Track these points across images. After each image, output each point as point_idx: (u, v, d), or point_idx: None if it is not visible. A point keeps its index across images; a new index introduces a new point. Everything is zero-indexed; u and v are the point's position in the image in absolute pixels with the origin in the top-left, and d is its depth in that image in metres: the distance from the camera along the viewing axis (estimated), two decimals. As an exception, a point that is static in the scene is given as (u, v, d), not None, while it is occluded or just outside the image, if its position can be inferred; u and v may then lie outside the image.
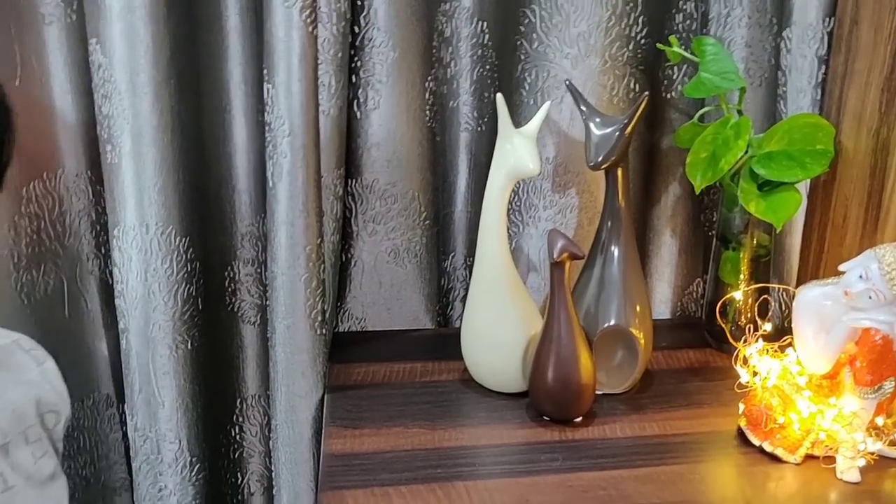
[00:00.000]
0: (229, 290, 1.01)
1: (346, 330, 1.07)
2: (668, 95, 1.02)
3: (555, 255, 0.82)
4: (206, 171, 0.95)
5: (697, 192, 0.92)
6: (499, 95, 0.88)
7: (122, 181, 0.88)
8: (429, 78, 0.98)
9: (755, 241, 0.97)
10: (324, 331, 0.93)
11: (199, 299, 0.97)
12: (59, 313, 0.98)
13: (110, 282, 0.96)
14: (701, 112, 0.97)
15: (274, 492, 0.99)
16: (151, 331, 0.93)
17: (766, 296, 0.96)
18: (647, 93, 0.88)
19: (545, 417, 0.87)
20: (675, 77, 1.01)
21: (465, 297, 1.03)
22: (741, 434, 0.84)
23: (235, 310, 1.02)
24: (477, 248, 0.90)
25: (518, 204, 1.03)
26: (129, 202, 0.89)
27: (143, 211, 0.89)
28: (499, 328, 0.90)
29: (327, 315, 0.95)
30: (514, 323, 0.90)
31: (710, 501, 0.77)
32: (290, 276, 0.89)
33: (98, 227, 0.97)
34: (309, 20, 0.82)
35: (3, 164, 0.52)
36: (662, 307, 1.11)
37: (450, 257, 1.08)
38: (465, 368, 0.94)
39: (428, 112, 0.99)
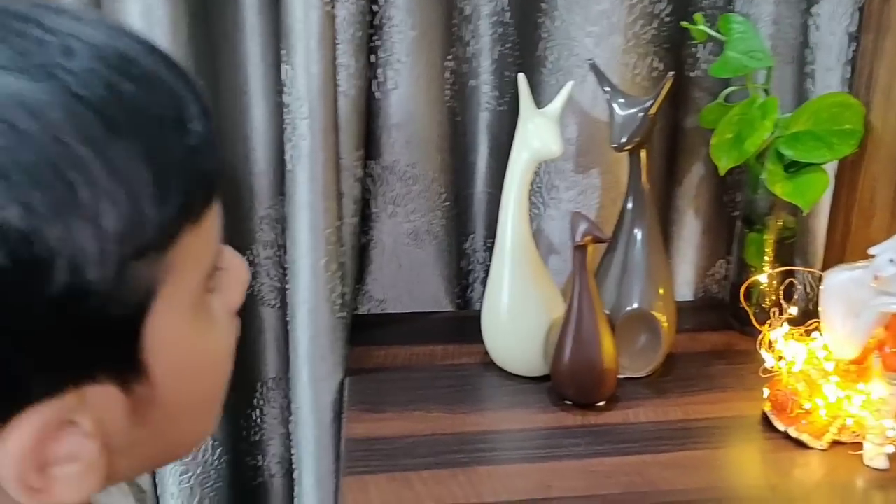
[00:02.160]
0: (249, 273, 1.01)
1: (366, 312, 1.06)
2: (693, 74, 1.00)
3: (577, 239, 0.80)
4: (223, 154, 0.95)
5: (722, 173, 0.90)
6: (520, 76, 0.87)
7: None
8: (448, 57, 0.96)
9: (781, 223, 0.95)
10: (344, 313, 0.92)
11: (219, 282, 0.96)
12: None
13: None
14: (727, 91, 0.95)
15: (295, 475, 1.00)
16: (171, 314, 0.93)
17: (791, 279, 0.94)
18: (672, 73, 0.86)
19: (567, 402, 0.86)
20: (699, 56, 0.99)
21: (485, 279, 1.02)
22: (766, 419, 0.83)
23: (255, 293, 1.02)
24: (498, 229, 0.89)
25: (539, 185, 1.01)
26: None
27: (162, 194, 0.89)
28: (520, 311, 0.89)
29: (347, 298, 0.95)
30: (535, 306, 0.89)
31: (735, 487, 0.76)
32: (310, 259, 0.88)
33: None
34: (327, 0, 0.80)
35: None
36: (685, 289, 1.10)
37: (470, 239, 1.07)
38: (485, 351, 0.93)
39: (448, 92, 0.98)
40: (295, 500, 1.02)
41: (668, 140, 1.02)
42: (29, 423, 0.33)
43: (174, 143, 0.36)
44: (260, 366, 1.05)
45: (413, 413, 0.84)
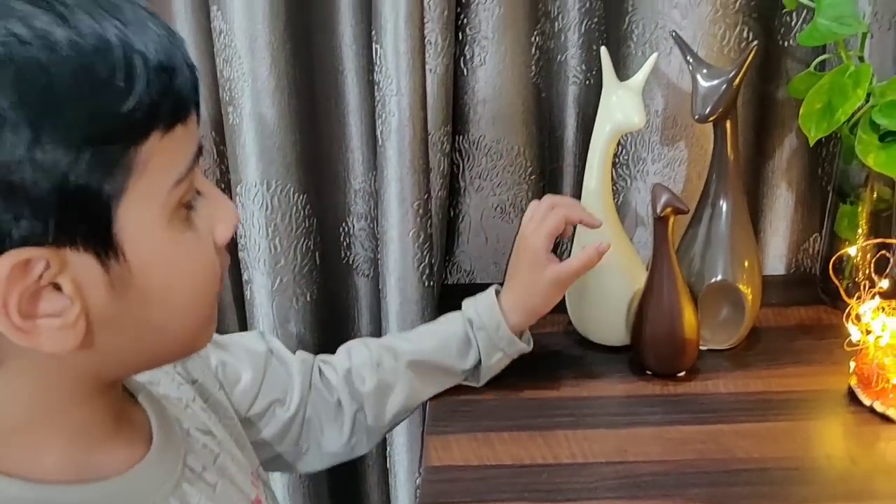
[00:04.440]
0: (344, 244, 1.06)
1: (454, 283, 1.10)
2: (785, 44, 0.98)
3: (658, 210, 0.81)
4: (320, 131, 1.00)
5: (811, 143, 0.89)
6: (603, 49, 0.88)
7: (243, 141, 0.94)
8: (535, 32, 0.98)
9: (875, 195, 0.93)
10: (432, 283, 0.96)
11: (317, 254, 1.02)
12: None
13: (234, 236, 1.02)
14: (819, 60, 0.93)
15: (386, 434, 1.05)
16: (274, 283, 0.99)
17: (884, 252, 0.92)
18: (755, 42, 0.85)
19: (647, 371, 0.88)
20: (792, 24, 0.97)
21: (570, 251, 1.04)
22: (851, 393, 0.82)
23: (350, 263, 1.07)
24: (581, 202, 0.91)
25: (625, 158, 1.02)
26: (251, 161, 0.94)
27: (264, 169, 0.95)
28: (603, 281, 0.90)
29: (435, 268, 0.99)
30: (618, 276, 0.90)
31: (814, 458, 0.76)
32: (400, 230, 0.93)
33: (223, 186, 1.04)
34: (414, -19, 0.84)
35: None
36: (777, 263, 1.09)
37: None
38: (569, 321, 0.96)
39: (533, 67, 1.00)
40: (388, 459, 1.07)
41: (757, 111, 1.01)
42: (8, 259, 0.40)
43: (146, 55, 0.43)
44: (355, 332, 1.11)
45: (495, 378, 0.87)
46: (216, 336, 0.70)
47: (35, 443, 0.47)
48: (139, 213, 0.43)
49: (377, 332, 1.09)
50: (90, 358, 0.45)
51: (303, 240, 0.99)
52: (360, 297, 1.09)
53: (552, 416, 0.82)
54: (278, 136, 0.94)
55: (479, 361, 0.84)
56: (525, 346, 0.85)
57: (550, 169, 1.06)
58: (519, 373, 0.88)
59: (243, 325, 1.07)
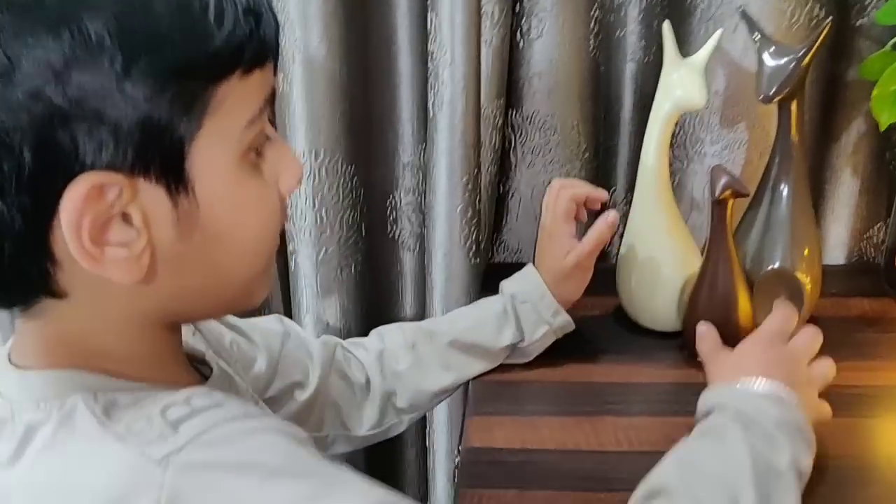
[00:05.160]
0: (391, 217, 1.05)
1: (501, 261, 1.08)
2: (858, 22, 0.93)
3: (717, 193, 0.78)
4: (371, 102, 0.98)
5: (882, 128, 0.85)
6: (665, 23, 0.85)
7: (293, 109, 0.92)
8: (594, 6, 0.95)
9: (948, 184, 0.89)
10: (478, 260, 0.94)
11: (363, 225, 1.01)
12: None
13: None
14: None
15: (427, 412, 1.04)
16: (319, 254, 0.98)
17: (955, 243, 0.88)
18: (830, 19, 0.81)
19: (698, 359, 0.85)
20: (867, 1, 0.93)
21: (623, 232, 1.01)
22: (915, 390, 0.79)
23: (396, 237, 1.06)
24: (636, 182, 0.88)
25: (683, 138, 0.99)
26: (300, 129, 0.93)
27: (313, 138, 0.93)
28: (655, 265, 0.88)
29: (482, 245, 0.97)
30: (671, 260, 0.87)
31: (866, 457, 0.73)
32: (448, 205, 0.91)
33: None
34: (472, -52, 0.81)
35: None
36: (837, 252, 1.04)
37: (610, 192, 1.06)
38: (619, 305, 0.93)
39: (592, 41, 0.96)
40: (427, 437, 1.06)
41: (825, 92, 0.97)
42: (85, 181, 0.42)
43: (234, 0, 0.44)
44: (399, 307, 1.09)
45: (542, 361, 0.85)
46: (230, 318, 0.70)
47: (115, 363, 0.49)
48: (212, 151, 0.45)
49: (421, 308, 1.08)
50: (153, 296, 0.47)
51: (349, 211, 0.98)
52: (406, 272, 1.08)
53: (599, 402, 0.80)
54: (328, 106, 0.92)
55: (521, 338, 0.82)
56: (569, 320, 0.83)
57: (605, 147, 1.03)
58: (565, 356, 0.86)
59: (287, 297, 1.06)
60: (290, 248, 1.00)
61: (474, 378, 0.84)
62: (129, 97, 0.41)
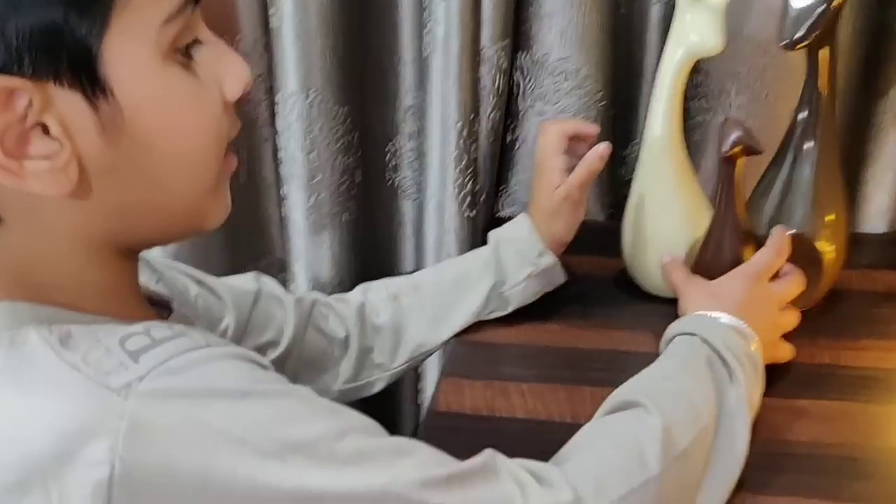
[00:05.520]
0: (391, 164, 0.99)
1: (507, 216, 1.02)
2: (912, -39, 0.83)
3: (725, 148, 0.70)
4: (370, 41, 0.92)
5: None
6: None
7: (282, 45, 0.88)
8: (614, -60, 0.87)
9: None
10: (474, 212, 0.89)
11: (358, 171, 0.96)
12: (234, 180, 1.01)
13: (274, 146, 0.97)
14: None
15: (419, 369, 1.00)
16: (310, 199, 0.94)
17: None
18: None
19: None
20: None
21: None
22: (938, 377, 0.71)
23: (395, 185, 1.01)
24: (644, 133, 0.81)
25: (706, 89, 0.90)
26: (289, 66, 0.88)
27: (302, 76, 0.88)
28: (660, 225, 0.81)
29: (480, 197, 0.91)
30: (677, 221, 0.80)
31: (876, 449, 0.65)
32: (440, 152, 0.85)
33: (272, 95, 0.98)
34: None
35: None
36: (877, 220, 0.95)
37: (630, 146, 0.98)
38: (624, 267, 0.86)
39: (611, -21, 0.88)
40: (419, 393, 1.02)
41: (869, 43, 0.87)
42: None
43: None
44: (397, 258, 1.05)
45: (527, 322, 0.80)
46: (198, 273, 0.66)
47: (68, 295, 0.46)
48: (126, 50, 0.42)
49: (421, 261, 1.03)
50: (93, 213, 0.45)
51: (342, 156, 0.93)
52: (406, 221, 1.03)
53: (581, 370, 0.74)
54: (319, 41, 0.87)
55: (503, 281, 0.77)
56: (556, 263, 0.79)
57: (625, 97, 0.96)
58: (553, 318, 0.80)
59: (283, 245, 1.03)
60: (282, 191, 0.96)
61: (455, 336, 0.79)
62: None
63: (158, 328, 0.44)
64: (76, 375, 0.41)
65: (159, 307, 0.56)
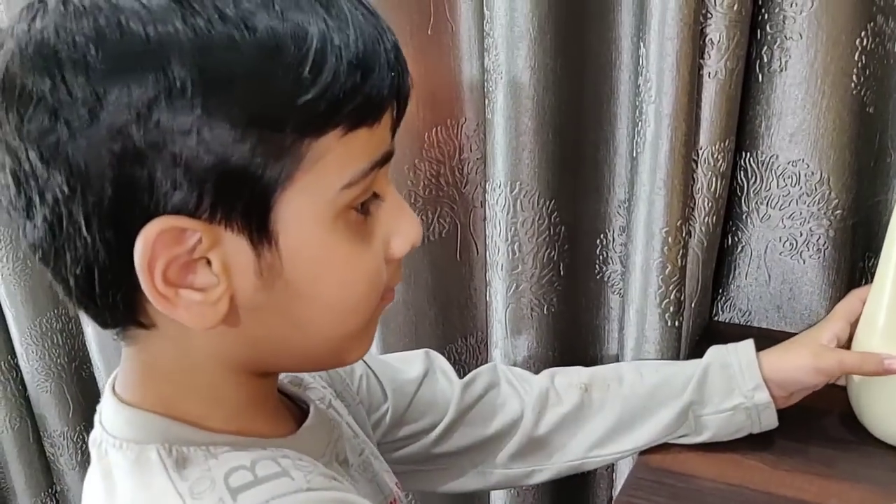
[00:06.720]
0: (600, 257, 0.96)
1: (727, 321, 0.94)
2: None
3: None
4: (585, 132, 0.90)
5: None
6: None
7: (493, 137, 0.88)
8: (862, 33, 0.78)
9: None
10: (677, 322, 0.83)
11: (562, 264, 0.93)
12: (451, 256, 1.03)
13: (474, 238, 0.97)
14: None
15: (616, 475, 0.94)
16: (510, 289, 0.92)
17: None
18: None
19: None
20: None
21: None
22: None
23: (604, 278, 0.97)
24: (882, 251, 0.71)
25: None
26: (498, 159, 0.88)
27: (510, 169, 0.88)
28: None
29: (687, 305, 0.84)
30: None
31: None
32: (642, 256, 0.80)
33: (486, 181, 0.99)
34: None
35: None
36: None
37: (864, 257, 0.87)
38: (847, 404, 0.76)
39: (856, 76, 0.79)
40: (612, 488, 0.97)
41: None
42: (159, 224, 0.41)
43: (341, 51, 0.41)
44: (602, 353, 1.00)
45: (724, 454, 0.72)
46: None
47: (201, 406, 0.48)
48: (301, 207, 0.43)
49: (621, 359, 0.98)
50: (236, 341, 0.46)
51: (546, 248, 0.91)
52: (613, 317, 0.98)
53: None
54: (528, 136, 0.86)
55: (703, 403, 0.71)
56: (769, 402, 0.70)
57: (869, 204, 0.85)
58: (755, 454, 0.72)
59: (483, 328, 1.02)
60: (486, 277, 0.95)
61: (641, 454, 0.73)
62: (205, 141, 0.40)
63: (265, 464, 0.45)
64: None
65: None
